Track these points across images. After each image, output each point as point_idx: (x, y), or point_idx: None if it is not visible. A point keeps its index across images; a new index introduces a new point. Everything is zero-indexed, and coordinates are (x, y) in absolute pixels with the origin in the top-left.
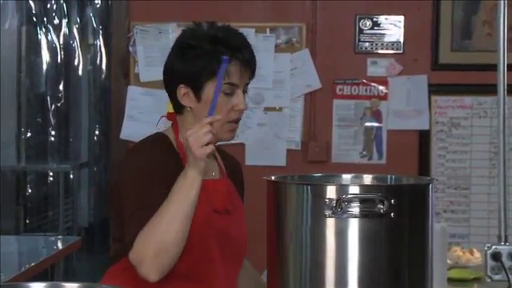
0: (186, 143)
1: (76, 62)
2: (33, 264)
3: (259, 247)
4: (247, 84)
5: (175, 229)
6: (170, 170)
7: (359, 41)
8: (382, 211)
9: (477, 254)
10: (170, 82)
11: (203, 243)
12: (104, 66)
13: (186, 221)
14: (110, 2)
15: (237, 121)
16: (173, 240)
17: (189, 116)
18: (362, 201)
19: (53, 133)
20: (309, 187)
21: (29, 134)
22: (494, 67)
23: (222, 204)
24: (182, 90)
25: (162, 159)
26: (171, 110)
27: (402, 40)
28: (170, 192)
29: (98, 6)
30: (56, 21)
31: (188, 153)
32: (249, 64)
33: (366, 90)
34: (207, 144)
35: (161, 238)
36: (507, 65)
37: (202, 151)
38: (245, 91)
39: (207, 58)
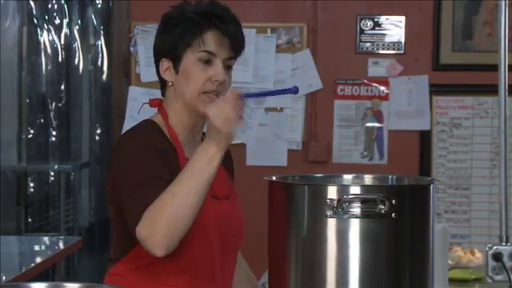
0: (210, 118)
1: (77, 62)
2: (34, 264)
3: (260, 247)
4: (231, 59)
5: (188, 204)
6: (165, 154)
7: (360, 41)
8: (383, 211)
9: (478, 255)
10: (155, 59)
11: (204, 228)
12: (105, 66)
13: (200, 198)
14: (110, 3)
15: (216, 93)
16: (185, 216)
17: (170, 92)
18: (363, 201)
19: (54, 133)
20: (310, 187)
21: (30, 134)
22: (495, 67)
23: (221, 189)
24: (164, 65)
25: (155, 141)
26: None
27: (403, 40)
28: (175, 171)
29: (99, 6)
30: (57, 21)
31: (210, 128)
32: (229, 35)
33: (367, 91)
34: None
35: (173, 213)
36: (508, 65)
37: (229, 126)
38: (229, 66)
39: (184, 25)
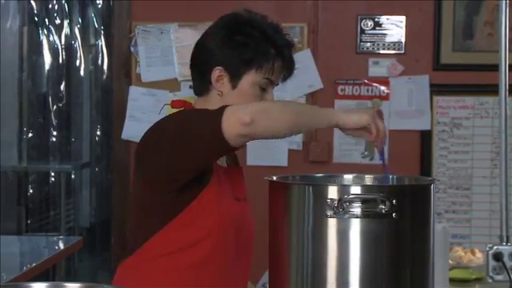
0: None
1: (77, 63)
2: (34, 264)
3: (261, 247)
4: (278, 84)
5: (288, 123)
6: None
7: (361, 41)
8: (383, 211)
9: (478, 255)
10: (206, 61)
11: (221, 227)
12: (105, 66)
13: (293, 128)
14: (111, 3)
15: None
16: (281, 122)
17: (215, 100)
18: (364, 201)
19: (54, 133)
20: (310, 187)
21: (30, 134)
22: (495, 67)
23: (241, 191)
24: (217, 73)
25: None
26: (172, 110)
27: (403, 40)
28: None
29: (100, 6)
30: (57, 21)
31: (358, 110)
32: (288, 64)
33: (367, 91)
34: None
35: (277, 111)
36: (509, 65)
37: (365, 121)
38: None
39: (254, 50)
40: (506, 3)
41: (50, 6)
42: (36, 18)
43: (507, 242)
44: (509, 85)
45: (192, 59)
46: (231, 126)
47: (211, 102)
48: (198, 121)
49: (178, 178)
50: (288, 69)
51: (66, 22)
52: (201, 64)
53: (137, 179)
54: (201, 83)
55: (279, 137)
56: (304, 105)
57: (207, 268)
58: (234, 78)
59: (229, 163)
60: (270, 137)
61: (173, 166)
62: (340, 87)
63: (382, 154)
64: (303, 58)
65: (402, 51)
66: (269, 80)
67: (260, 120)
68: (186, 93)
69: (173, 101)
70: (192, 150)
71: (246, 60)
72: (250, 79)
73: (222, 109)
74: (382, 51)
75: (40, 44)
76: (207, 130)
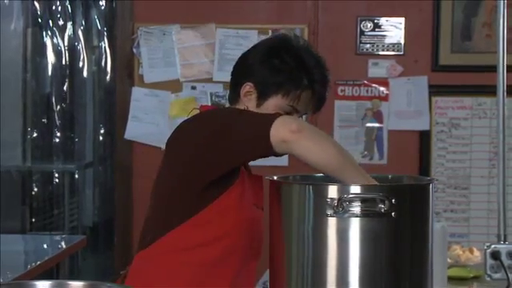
0: None
1: (81, 64)
2: (38, 263)
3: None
4: (305, 114)
5: (335, 161)
6: None
7: (360, 42)
8: (382, 211)
9: (476, 253)
10: (241, 74)
11: (239, 230)
12: (108, 68)
13: (331, 167)
14: (114, 4)
15: None
16: (328, 156)
17: None
18: (363, 200)
19: (58, 133)
20: (311, 187)
21: (34, 135)
22: (493, 68)
23: (261, 199)
24: (247, 88)
25: None
26: (175, 111)
27: (402, 41)
28: None
29: (103, 8)
30: (61, 23)
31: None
32: (320, 99)
33: (367, 91)
34: None
35: (328, 146)
36: (507, 66)
37: None
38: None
39: (287, 76)
40: (504, 4)
41: (54, 7)
42: (40, 20)
43: (505, 240)
44: (507, 86)
45: (233, 68)
46: (279, 130)
47: None
48: (246, 120)
49: (207, 174)
50: (317, 102)
51: (69, 24)
52: (237, 75)
53: (163, 172)
54: (233, 93)
55: (313, 164)
56: (353, 159)
57: (219, 268)
58: (261, 97)
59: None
60: (307, 159)
61: (206, 161)
62: (340, 88)
63: None
64: None
65: (401, 52)
66: (293, 107)
67: (307, 135)
68: (188, 94)
69: (202, 106)
70: (233, 148)
71: (276, 83)
72: (274, 102)
73: (276, 115)
74: (381, 52)
75: (43, 45)
76: (255, 131)
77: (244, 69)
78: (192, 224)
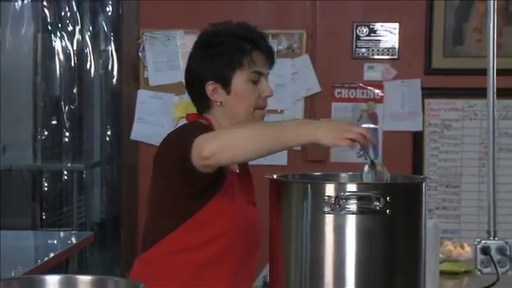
0: (334, 121)
1: (88, 67)
2: (48, 258)
3: (262, 242)
4: (268, 73)
5: (257, 146)
6: None
7: (356, 47)
8: (378, 208)
9: (467, 249)
10: (196, 82)
11: (233, 228)
12: (115, 71)
13: (264, 150)
14: (120, 10)
15: (264, 107)
16: (244, 149)
17: (219, 111)
18: (359, 198)
19: (67, 134)
20: (309, 185)
21: (44, 135)
22: (483, 72)
23: (251, 196)
24: (211, 87)
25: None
26: (179, 113)
27: (396, 46)
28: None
29: (110, 13)
30: (70, 28)
31: (322, 122)
32: (269, 53)
33: (362, 94)
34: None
35: (240, 141)
36: (496, 69)
37: (339, 140)
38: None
39: (230, 52)
40: (494, 10)
41: (63, 13)
42: (49, 25)
43: (494, 236)
44: (496, 88)
45: (186, 86)
46: (195, 157)
47: (216, 115)
48: (179, 146)
49: (186, 187)
50: (269, 56)
51: (77, 29)
52: (194, 86)
53: (154, 183)
54: (201, 102)
55: (250, 160)
56: (280, 126)
57: (216, 267)
58: (226, 85)
59: (240, 168)
60: (241, 161)
61: (182, 178)
62: (337, 90)
63: (366, 150)
64: (302, 63)
65: (396, 56)
66: (256, 73)
67: (222, 152)
68: None
69: (188, 114)
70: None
71: (226, 64)
72: (239, 79)
73: (194, 139)
74: (376, 56)
75: (53, 49)
76: (180, 158)
77: (196, 76)
78: (186, 228)
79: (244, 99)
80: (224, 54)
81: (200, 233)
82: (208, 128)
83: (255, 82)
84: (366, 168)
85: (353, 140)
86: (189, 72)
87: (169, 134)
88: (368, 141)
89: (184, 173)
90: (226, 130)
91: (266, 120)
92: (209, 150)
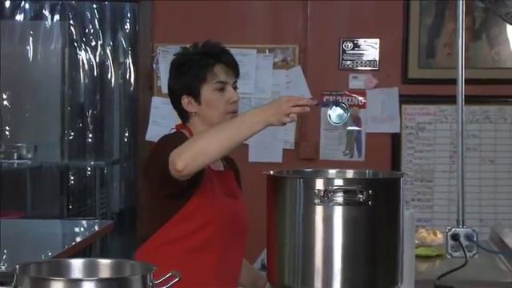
0: (276, 101)
1: (109, 77)
2: (74, 243)
3: (259, 230)
4: (235, 82)
5: (218, 146)
6: None
7: (342, 59)
8: (361, 200)
9: (439, 235)
10: (174, 96)
11: (218, 223)
12: (132, 80)
13: (228, 146)
14: (137, 28)
15: (235, 111)
16: (211, 152)
17: (196, 120)
18: (345, 191)
19: (90, 135)
20: (301, 180)
21: (71, 136)
22: (453, 81)
23: (231, 190)
24: (186, 100)
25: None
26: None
27: (377, 59)
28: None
29: (128, 30)
30: (93, 43)
31: (269, 105)
32: (230, 64)
33: (348, 100)
34: (290, 116)
35: (205, 145)
36: (464, 79)
37: (283, 117)
38: (235, 87)
39: (197, 67)
40: (462, 28)
41: (87, 30)
42: (75, 41)
43: (463, 224)
44: (464, 95)
45: (171, 101)
46: (172, 170)
47: (194, 124)
48: (158, 161)
49: (170, 192)
50: (231, 67)
51: (99, 44)
52: (174, 101)
53: (142, 189)
54: (181, 114)
55: (220, 157)
56: (236, 121)
57: (204, 252)
58: (197, 96)
59: (225, 166)
60: (212, 162)
61: (163, 187)
62: (325, 97)
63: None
64: (295, 74)
65: (377, 68)
66: (220, 82)
67: (193, 162)
68: None
69: (177, 125)
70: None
71: (194, 78)
72: (206, 90)
73: (169, 154)
74: (359, 68)
75: (78, 62)
76: (161, 171)
77: (174, 93)
78: (172, 223)
79: (214, 107)
80: (192, 69)
81: (185, 225)
82: (185, 138)
83: (221, 90)
84: (332, 109)
85: (294, 113)
86: (168, 89)
87: (152, 149)
88: (305, 106)
89: (165, 182)
90: (193, 139)
91: None
92: (181, 164)
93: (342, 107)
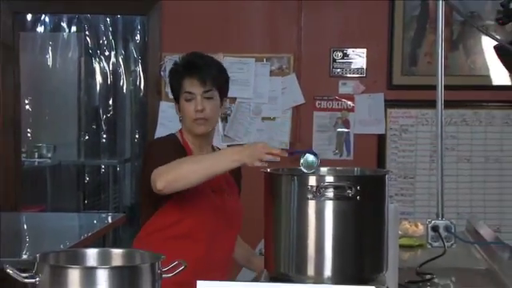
0: (252, 145)
1: (121, 84)
2: (89, 234)
3: (257, 222)
4: (208, 91)
5: (196, 175)
6: (176, 153)
7: (333, 67)
8: (350, 195)
9: (420, 227)
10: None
11: (201, 213)
12: (142, 87)
13: (204, 176)
14: (146, 39)
15: (202, 118)
16: (190, 178)
17: (182, 123)
18: (336, 187)
19: (104, 136)
20: (295, 177)
21: (86, 137)
22: (433, 87)
23: (219, 185)
24: (176, 106)
25: (173, 143)
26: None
27: (364, 67)
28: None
29: (138, 41)
30: (106, 53)
31: (246, 147)
32: (197, 77)
33: (337, 104)
34: (262, 161)
35: (186, 172)
36: (443, 85)
37: (256, 160)
38: (207, 97)
39: (172, 79)
40: (441, 40)
41: (101, 41)
42: (90, 51)
43: (442, 217)
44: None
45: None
46: (153, 186)
47: (182, 126)
48: (146, 171)
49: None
50: (199, 80)
51: (112, 53)
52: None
53: (140, 180)
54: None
55: (195, 184)
56: (214, 157)
57: (191, 239)
58: (178, 104)
59: None
60: (190, 187)
61: (151, 191)
62: (317, 102)
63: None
64: (290, 80)
65: (364, 75)
66: (188, 92)
67: (171, 185)
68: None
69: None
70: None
71: (173, 87)
72: (181, 99)
73: (154, 169)
74: (348, 75)
75: (93, 70)
76: (148, 180)
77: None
78: (162, 211)
79: (185, 114)
80: (171, 80)
81: (172, 214)
82: (174, 142)
83: (189, 100)
84: (303, 158)
85: (263, 158)
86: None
87: (145, 151)
88: (275, 154)
89: (150, 189)
90: (176, 162)
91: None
92: (160, 185)
93: (314, 154)
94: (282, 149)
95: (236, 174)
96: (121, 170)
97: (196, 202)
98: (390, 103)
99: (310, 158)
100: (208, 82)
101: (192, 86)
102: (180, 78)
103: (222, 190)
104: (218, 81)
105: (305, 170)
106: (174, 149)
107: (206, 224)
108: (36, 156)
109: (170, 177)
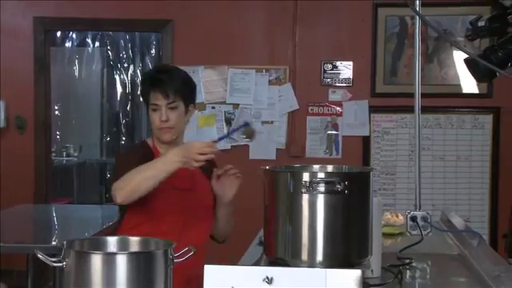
0: (187, 146)
1: (139, 92)
2: (110, 224)
3: (257, 213)
4: (173, 102)
5: (148, 182)
6: (144, 159)
7: (323, 77)
8: (339, 190)
9: (400, 217)
10: None
11: (163, 210)
12: None
13: (155, 181)
14: (160, 53)
15: (167, 127)
16: (143, 186)
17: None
18: (326, 182)
19: (123, 138)
20: (291, 173)
21: (108, 139)
22: (411, 95)
23: (182, 183)
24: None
25: (138, 152)
26: (201, 123)
27: (351, 77)
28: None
29: (153, 55)
30: (125, 65)
31: (182, 149)
32: (160, 90)
33: (328, 110)
34: (201, 159)
35: (138, 182)
36: (420, 93)
37: (191, 163)
38: (173, 108)
39: (142, 91)
40: (418, 53)
41: (121, 55)
42: (111, 63)
43: (419, 208)
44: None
45: None
46: (115, 200)
47: (152, 133)
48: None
49: None
50: (162, 93)
51: (131, 66)
52: None
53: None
54: None
55: (150, 189)
56: (157, 164)
57: (162, 235)
58: (148, 113)
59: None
60: (146, 193)
61: None
62: (310, 107)
63: (222, 137)
64: (286, 89)
65: (351, 84)
66: (153, 104)
67: (127, 198)
68: (209, 111)
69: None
70: None
71: (143, 100)
72: (149, 109)
73: (114, 182)
74: (337, 84)
75: (114, 80)
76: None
77: None
78: (132, 209)
79: (152, 123)
80: (140, 92)
81: (141, 212)
82: (140, 151)
83: (155, 111)
84: (244, 132)
85: (197, 159)
86: None
87: (115, 160)
88: (208, 152)
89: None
90: (128, 177)
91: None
92: (119, 199)
93: (247, 124)
94: (212, 140)
95: (206, 169)
96: None
97: (154, 201)
98: (373, 109)
99: (248, 130)
100: (171, 95)
101: (156, 100)
102: (146, 92)
103: (188, 190)
104: (182, 92)
105: (248, 140)
106: (142, 157)
107: (169, 222)
108: (64, 155)
109: (124, 192)
